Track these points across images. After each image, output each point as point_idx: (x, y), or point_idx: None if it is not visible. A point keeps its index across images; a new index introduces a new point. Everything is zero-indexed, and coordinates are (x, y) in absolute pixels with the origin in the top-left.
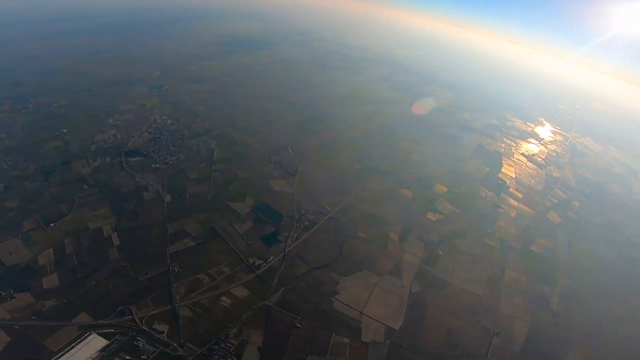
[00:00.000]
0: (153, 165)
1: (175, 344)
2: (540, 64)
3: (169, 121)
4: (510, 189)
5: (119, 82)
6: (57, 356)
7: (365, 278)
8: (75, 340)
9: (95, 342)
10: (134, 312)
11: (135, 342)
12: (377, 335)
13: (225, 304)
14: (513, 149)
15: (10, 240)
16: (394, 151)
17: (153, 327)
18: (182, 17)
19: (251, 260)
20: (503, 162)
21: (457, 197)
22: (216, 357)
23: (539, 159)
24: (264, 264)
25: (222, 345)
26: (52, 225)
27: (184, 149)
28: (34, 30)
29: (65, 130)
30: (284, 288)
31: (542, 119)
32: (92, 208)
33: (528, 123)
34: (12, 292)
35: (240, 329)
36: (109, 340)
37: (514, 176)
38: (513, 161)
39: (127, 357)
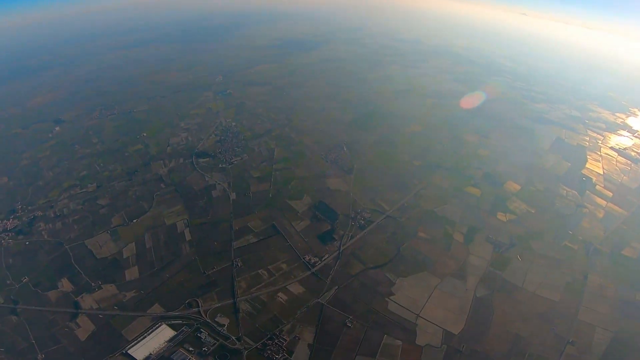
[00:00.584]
0: (220, 166)
1: (233, 337)
2: (625, 50)
3: (233, 123)
4: (597, 187)
5: (187, 87)
6: (131, 345)
7: (425, 279)
8: (148, 330)
9: (165, 333)
10: (200, 305)
11: (198, 334)
12: (434, 339)
13: (281, 300)
14: (600, 142)
15: (101, 235)
16: (459, 146)
17: (216, 319)
18: (236, 22)
19: (307, 258)
20: (588, 157)
21: (533, 196)
22: (269, 352)
23: (633, 154)
24: (319, 262)
25: (276, 341)
26: (134, 221)
27: (247, 149)
28: (108, 42)
29: (145, 134)
30: (337, 287)
31: (635, 110)
32: (168, 205)
33: (617, 114)
34: (100, 283)
35: (293, 325)
36: (176, 332)
37: (601, 172)
38: (600, 156)
39: (190, 349)
